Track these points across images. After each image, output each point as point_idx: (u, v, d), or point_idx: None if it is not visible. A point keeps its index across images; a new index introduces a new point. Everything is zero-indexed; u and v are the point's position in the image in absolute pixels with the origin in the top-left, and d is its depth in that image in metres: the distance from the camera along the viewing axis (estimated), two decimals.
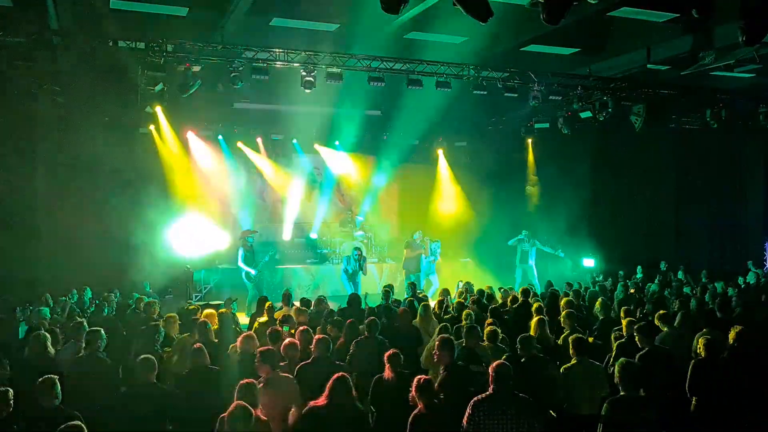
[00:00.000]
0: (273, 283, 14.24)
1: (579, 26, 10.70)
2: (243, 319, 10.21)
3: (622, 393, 4.82)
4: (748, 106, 14.13)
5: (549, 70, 12.65)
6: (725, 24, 9.93)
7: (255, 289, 12.23)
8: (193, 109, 14.38)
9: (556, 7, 6.15)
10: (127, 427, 5.14)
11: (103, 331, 6.20)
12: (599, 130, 14.73)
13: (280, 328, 7.12)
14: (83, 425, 4.26)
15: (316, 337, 6.21)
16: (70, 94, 12.98)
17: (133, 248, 15.13)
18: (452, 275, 14.40)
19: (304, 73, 11.09)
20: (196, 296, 13.50)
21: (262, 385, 5.19)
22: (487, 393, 4.61)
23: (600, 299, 8.65)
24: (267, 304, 8.50)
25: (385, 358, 5.57)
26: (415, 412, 4.74)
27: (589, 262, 15.83)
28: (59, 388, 4.83)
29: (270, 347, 5.87)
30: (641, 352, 5.99)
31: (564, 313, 7.46)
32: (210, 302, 11.04)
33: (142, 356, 5.51)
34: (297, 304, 9.03)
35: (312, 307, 8.85)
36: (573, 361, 5.75)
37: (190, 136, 15.70)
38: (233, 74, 10.77)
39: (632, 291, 11.07)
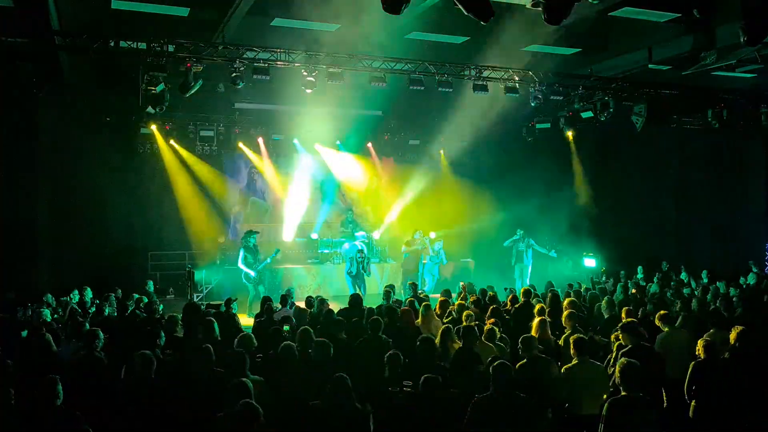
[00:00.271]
0: (274, 284, 14.22)
1: (580, 26, 10.70)
2: (243, 319, 10.19)
3: (623, 393, 4.82)
4: (750, 107, 14.10)
5: (550, 70, 12.65)
6: (727, 24, 9.93)
7: (255, 290, 12.22)
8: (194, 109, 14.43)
9: (557, 7, 6.14)
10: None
11: (101, 331, 6.22)
12: (601, 130, 14.72)
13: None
14: (87, 426, 4.24)
15: None
16: (71, 95, 13.01)
17: (134, 248, 15.20)
18: (453, 275, 14.39)
19: (305, 73, 11.09)
20: (197, 296, 13.49)
21: None
22: (488, 393, 4.60)
23: (606, 298, 8.71)
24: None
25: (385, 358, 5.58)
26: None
27: (590, 262, 15.82)
28: (61, 387, 4.83)
29: None
30: (624, 349, 6.01)
31: (566, 313, 7.45)
32: (210, 302, 11.04)
33: (140, 352, 5.48)
34: (298, 304, 9.00)
35: (314, 308, 8.83)
36: (574, 361, 5.74)
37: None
38: (234, 74, 10.77)
39: (633, 291, 11.05)
